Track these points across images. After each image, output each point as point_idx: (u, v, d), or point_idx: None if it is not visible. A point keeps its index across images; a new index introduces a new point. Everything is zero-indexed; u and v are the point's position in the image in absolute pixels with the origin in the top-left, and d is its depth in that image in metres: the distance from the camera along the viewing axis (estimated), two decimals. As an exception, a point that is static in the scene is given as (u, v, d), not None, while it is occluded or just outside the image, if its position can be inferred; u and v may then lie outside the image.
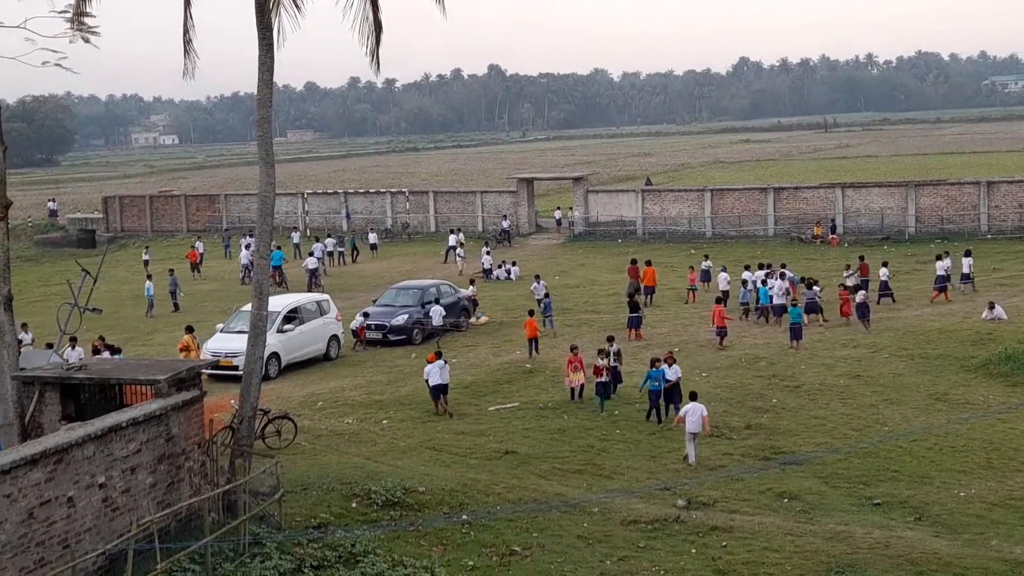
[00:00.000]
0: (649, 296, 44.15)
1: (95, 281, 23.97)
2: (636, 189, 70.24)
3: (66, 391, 20.75)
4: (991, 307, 37.27)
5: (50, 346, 27.82)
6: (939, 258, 43.55)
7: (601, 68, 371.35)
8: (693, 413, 24.65)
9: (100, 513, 17.73)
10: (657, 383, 27.37)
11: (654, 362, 27.79)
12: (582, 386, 29.45)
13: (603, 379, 28.75)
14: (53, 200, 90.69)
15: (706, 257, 48.64)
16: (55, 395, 20.63)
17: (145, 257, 58.65)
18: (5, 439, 19.89)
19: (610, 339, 30.93)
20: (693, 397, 25.48)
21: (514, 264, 54.27)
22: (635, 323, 37.51)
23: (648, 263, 45.92)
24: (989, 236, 57.13)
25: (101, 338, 32.48)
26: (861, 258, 45.21)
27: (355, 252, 62.60)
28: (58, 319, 24.17)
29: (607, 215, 66.82)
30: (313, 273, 52.27)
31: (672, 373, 27.56)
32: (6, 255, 20.68)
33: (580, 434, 26.82)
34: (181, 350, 33.03)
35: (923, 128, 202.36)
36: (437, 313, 39.05)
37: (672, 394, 27.51)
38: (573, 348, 30.40)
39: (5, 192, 20.92)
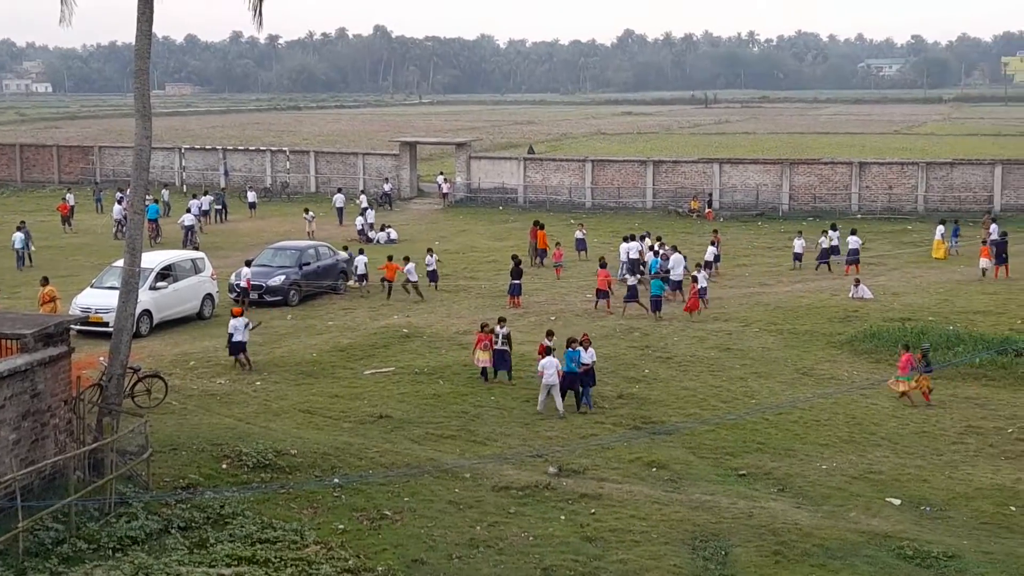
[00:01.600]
0: (541, 258, 45.45)
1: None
2: (519, 157, 70.53)
3: (-74, 344, 20.14)
4: (856, 285, 38.32)
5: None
6: (824, 233, 45.40)
7: (488, 34, 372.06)
8: (549, 366, 26.00)
9: (-40, 470, 17.30)
10: (574, 363, 26.15)
11: (570, 343, 26.54)
12: (495, 366, 28.41)
13: (542, 356, 26.80)
14: None
15: (581, 226, 49.21)
16: (-85, 348, 20.02)
17: None
18: None
19: (501, 320, 29.54)
20: (548, 352, 26.70)
21: (390, 227, 53.98)
22: (515, 290, 37.66)
23: (540, 226, 46.92)
24: (859, 216, 58.61)
25: None
26: (715, 231, 46.61)
27: (224, 211, 61.44)
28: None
29: (489, 182, 66.92)
30: (189, 230, 51.38)
31: (588, 356, 26.47)
32: None
33: (455, 400, 26.91)
34: (46, 303, 31.96)
35: (800, 107, 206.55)
36: (411, 270, 39.40)
37: (586, 378, 26.41)
38: (483, 326, 29.04)
39: None
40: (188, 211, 53.55)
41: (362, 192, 62.94)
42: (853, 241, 44.52)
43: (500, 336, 28.51)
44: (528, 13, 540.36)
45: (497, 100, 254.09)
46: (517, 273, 37.86)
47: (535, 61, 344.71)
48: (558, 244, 45.19)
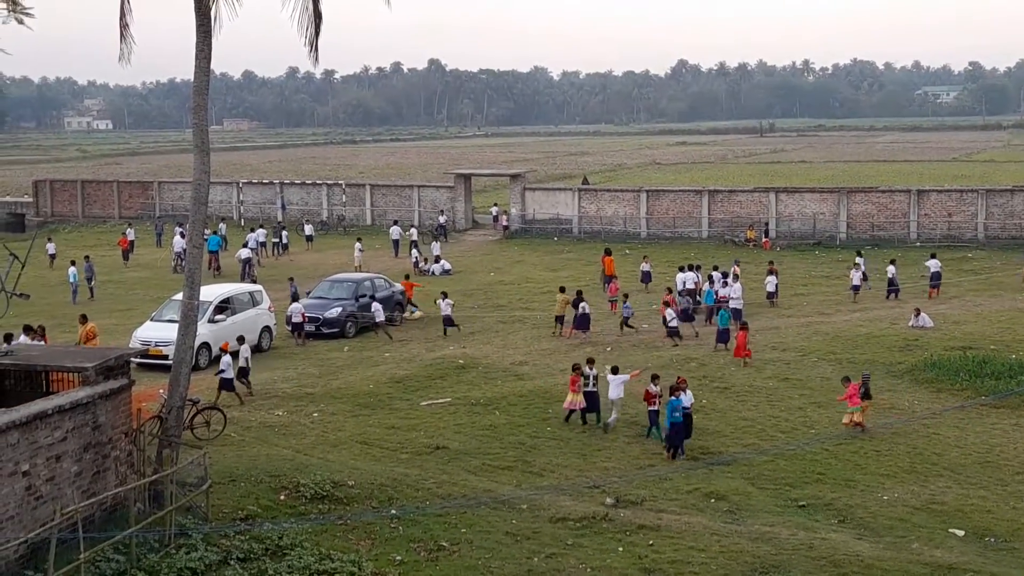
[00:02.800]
0: (613, 282, 44.85)
1: (23, 266, 23.60)
2: (573, 188, 70.50)
3: (-10, 377, 20.44)
4: (917, 314, 37.87)
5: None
6: (892, 262, 45.60)
7: (541, 66, 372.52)
8: (615, 383, 27.11)
9: (23, 501, 17.49)
10: (678, 414, 24.89)
11: (673, 391, 25.43)
12: (583, 410, 27.44)
13: (654, 407, 26.31)
14: None
15: (646, 259, 48.51)
16: (-21, 381, 20.32)
17: (51, 251, 56.74)
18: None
19: (590, 361, 28.53)
20: (615, 371, 27.73)
21: (443, 259, 54.21)
22: (580, 323, 37.48)
23: (608, 252, 47.70)
24: (918, 244, 58.01)
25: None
26: (771, 262, 46.03)
27: (285, 245, 61.88)
28: (-16, 303, 23.75)
29: (544, 213, 66.98)
30: (247, 263, 51.89)
31: (687, 400, 25.54)
32: (-68, 237, 20.32)
33: (511, 431, 26.86)
34: (88, 340, 31.98)
35: (857, 135, 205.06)
36: (378, 310, 38.83)
37: (686, 424, 25.37)
38: (575, 368, 28.01)
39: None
40: (245, 245, 54.10)
41: (412, 226, 63.20)
42: (934, 264, 44.86)
43: (590, 377, 27.71)
44: (582, 45, 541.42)
45: (551, 131, 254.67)
46: (577, 304, 37.72)
47: (589, 92, 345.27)
48: (614, 278, 44.68)
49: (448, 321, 38.54)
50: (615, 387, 27.34)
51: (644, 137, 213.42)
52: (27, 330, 30.27)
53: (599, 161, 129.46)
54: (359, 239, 57.05)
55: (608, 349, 35.00)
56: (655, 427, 26.25)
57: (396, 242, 59.99)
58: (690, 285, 41.44)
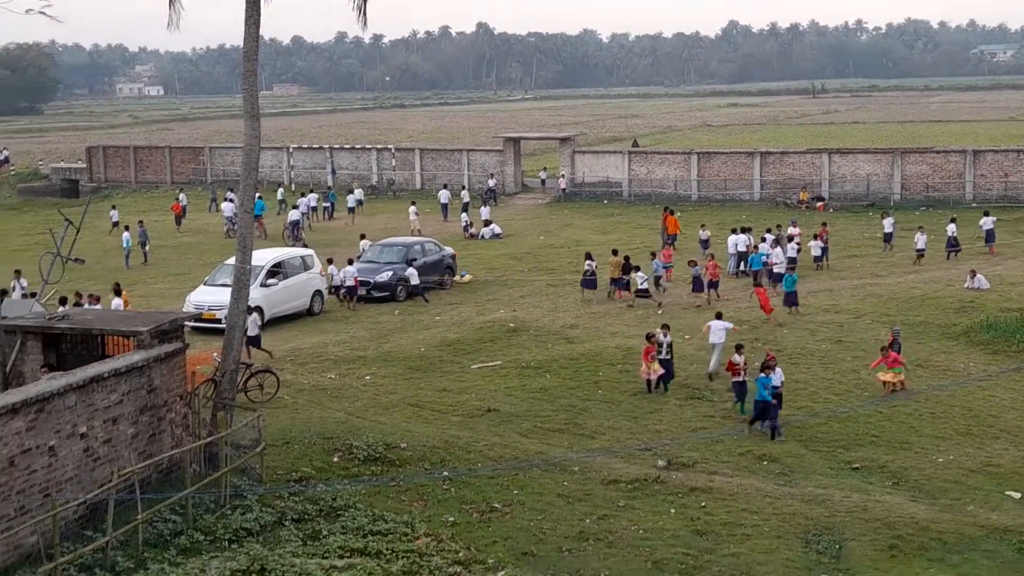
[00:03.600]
0: (671, 244, 45.11)
1: (78, 231, 23.82)
2: (623, 150, 70.10)
3: (48, 340, 20.70)
4: (972, 275, 37.39)
5: (32, 295, 27.68)
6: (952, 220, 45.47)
7: (591, 28, 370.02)
8: (717, 327, 27.94)
9: (81, 463, 17.74)
10: (767, 392, 23.92)
11: (763, 368, 24.50)
12: (660, 378, 26.94)
13: (740, 378, 25.44)
14: (5, 149, 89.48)
15: (703, 227, 46.92)
16: (37, 344, 20.60)
17: (114, 218, 57.00)
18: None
19: (665, 328, 27.86)
20: (719, 316, 28.82)
21: (493, 223, 54.10)
22: (621, 284, 37.48)
23: (671, 211, 48.33)
24: (974, 205, 57.18)
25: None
26: (823, 224, 45.36)
27: (331, 208, 62.01)
28: (40, 268, 24.04)
29: (593, 176, 66.68)
30: (295, 226, 52.17)
31: (777, 378, 24.45)
32: (-11, 203, 20.56)
33: (562, 394, 26.88)
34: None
35: (911, 96, 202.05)
36: (413, 274, 38.80)
37: (776, 404, 24.22)
38: (649, 336, 27.32)
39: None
40: (295, 207, 54.32)
41: (463, 189, 63.18)
42: (988, 222, 44.68)
43: (664, 345, 27.17)
44: (631, 6, 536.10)
45: (600, 94, 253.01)
46: (626, 269, 37.61)
47: (638, 54, 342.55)
48: (670, 244, 44.25)
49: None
50: (717, 332, 27.93)
51: (694, 99, 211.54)
52: (117, 291, 31.41)
53: (649, 124, 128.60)
54: (414, 203, 57.07)
55: (659, 311, 34.87)
56: (741, 400, 25.45)
57: (445, 206, 59.96)
58: (741, 248, 41.17)
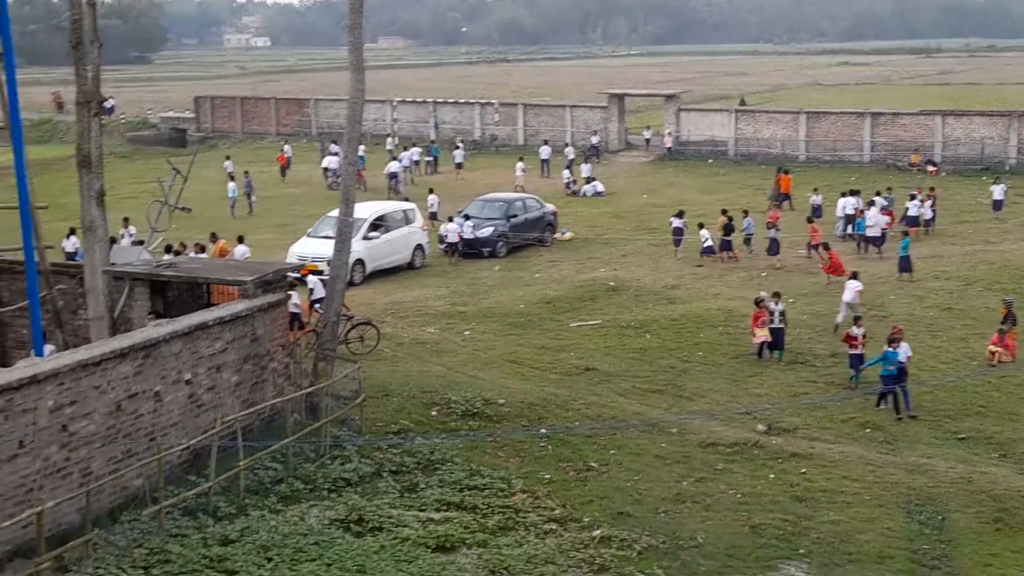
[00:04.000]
0: (787, 201, 45.36)
1: (185, 180, 24.16)
2: (729, 109, 69.09)
3: (155, 288, 21.07)
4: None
5: (140, 243, 28.19)
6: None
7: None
8: (851, 288, 28.24)
9: (186, 409, 18.07)
10: (893, 367, 23.13)
11: (890, 342, 23.68)
12: (769, 343, 26.30)
13: (856, 351, 24.63)
14: (111, 97, 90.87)
15: (815, 191, 44.58)
16: (144, 291, 20.98)
17: (229, 169, 57.20)
18: (96, 332, 20.26)
19: (776, 295, 27.27)
20: (854, 276, 28.82)
21: (596, 180, 53.67)
22: (726, 246, 36.95)
23: (785, 171, 48.10)
24: (1093, 171, 55.36)
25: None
26: (931, 189, 43.95)
27: (435, 162, 62.18)
28: (148, 216, 24.46)
29: (699, 134, 65.83)
30: (393, 177, 52.51)
31: (903, 353, 23.50)
32: (99, 151, 20.91)
33: (661, 354, 26.68)
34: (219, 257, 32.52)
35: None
36: (452, 231, 38.16)
37: (899, 378, 23.39)
38: (758, 301, 26.87)
39: (99, 88, 21.10)
40: (396, 159, 54.56)
41: (567, 145, 62.86)
42: None
43: (776, 313, 26.50)
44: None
45: (708, 51, 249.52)
46: (729, 229, 37.09)
47: (748, 11, 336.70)
48: (778, 205, 43.08)
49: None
50: (850, 291, 28.27)
51: (805, 57, 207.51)
52: (240, 239, 32.30)
53: (757, 82, 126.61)
54: (521, 159, 56.91)
55: (763, 274, 34.40)
56: (857, 373, 24.64)
57: (545, 162, 59.66)
58: (850, 211, 40.31)
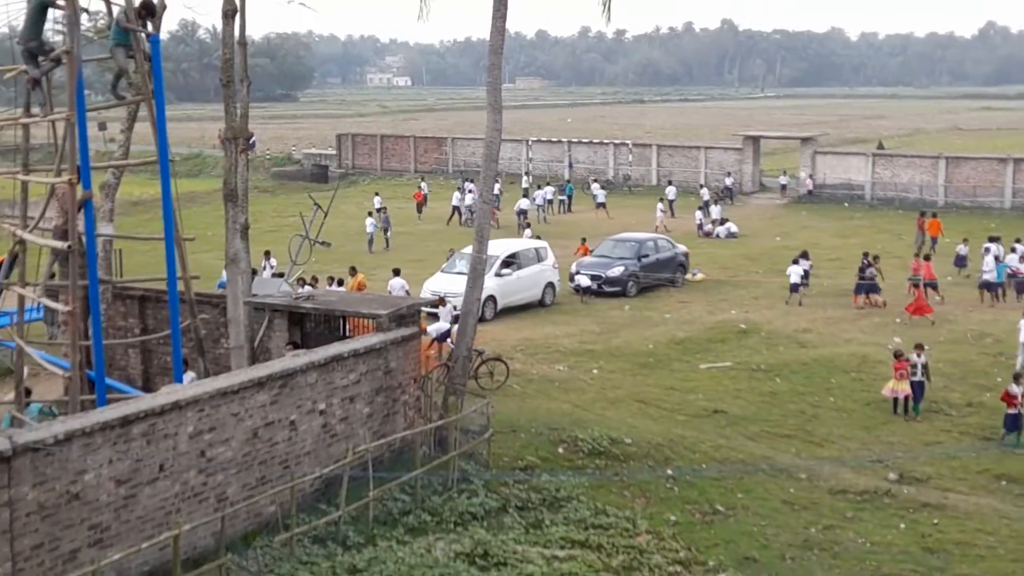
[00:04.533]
0: (934, 245, 44.55)
1: (325, 215, 24.79)
2: (867, 152, 68.13)
3: (293, 319, 21.64)
4: None
5: (280, 275, 28.93)
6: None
7: (838, 27, 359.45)
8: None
9: (319, 438, 18.50)
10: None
11: (1017, 378, 23.63)
12: (907, 398, 25.32)
13: (1015, 411, 23.52)
14: (253, 134, 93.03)
15: (964, 241, 42.89)
16: (283, 322, 21.56)
17: (377, 204, 58.10)
18: (236, 361, 20.90)
19: (918, 347, 26.01)
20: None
21: (730, 222, 53.41)
22: (860, 289, 36.39)
23: (933, 214, 47.67)
24: None
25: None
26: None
27: (569, 201, 62.71)
28: (289, 250, 25.13)
29: (835, 178, 65.02)
30: (522, 214, 53.12)
31: None
32: (245, 185, 21.64)
33: (792, 399, 26.40)
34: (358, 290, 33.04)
35: None
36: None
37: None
38: (897, 355, 25.70)
39: (247, 125, 21.86)
40: (524, 197, 55.23)
41: (701, 186, 62.69)
42: None
43: (919, 366, 25.37)
44: (881, 5, 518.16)
45: (846, 94, 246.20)
46: (866, 271, 36.50)
47: (887, 54, 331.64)
48: (927, 257, 39.07)
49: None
50: None
51: (945, 101, 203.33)
52: (396, 272, 33.07)
53: (896, 125, 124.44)
54: (660, 199, 56.94)
55: (897, 320, 33.80)
56: (1013, 433, 23.45)
57: (671, 202, 59.65)
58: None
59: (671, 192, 60.32)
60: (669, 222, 55.15)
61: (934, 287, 35.77)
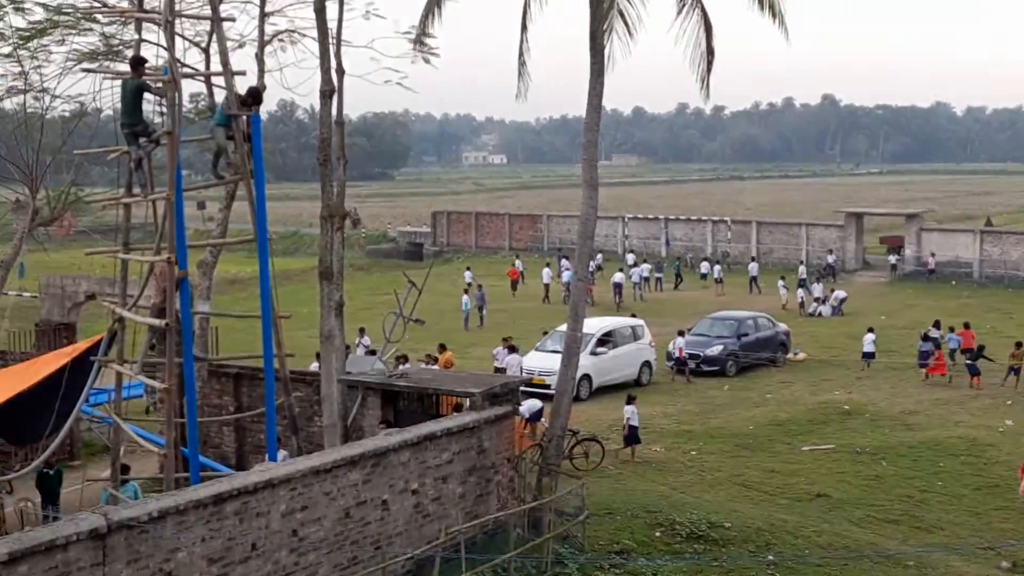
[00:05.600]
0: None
1: (420, 293, 24.78)
2: (975, 229, 66.74)
3: (387, 397, 21.51)
4: None
5: (373, 352, 28.92)
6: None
7: (943, 101, 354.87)
8: None
9: (411, 518, 18.23)
10: None
11: None
12: None
13: None
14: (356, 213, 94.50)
15: None
16: (376, 400, 21.43)
17: (468, 279, 58.90)
18: (329, 438, 20.79)
19: None
20: None
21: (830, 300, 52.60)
22: (973, 371, 35.40)
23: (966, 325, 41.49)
24: None
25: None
26: None
27: (678, 279, 62.60)
28: (384, 327, 25.12)
29: (941, 255, 63.71)
30: (617, 288, 53.56)
31: None
32: (341, 263, 21.68)
33: (899, 483, 25.56)
34: (445, 368, 32.86)
35: None
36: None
37: None
38: None
39: (343, 203, 21.96)
40: (620, 271, 55.91)
41: (800, 263, 62.03)
42: None
43: None
44: (989, 80, 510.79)
45: (952, 169, 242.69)
46: (976, 355, 35.59)
47: (996, 128, 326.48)
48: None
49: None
50: None
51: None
52: (513, 349, 34.07)
53: (1005, 201, 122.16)
54: (783, 277, 56.38)
55: (1009, 403, 32.71)
56: None
57: (754, 279, 60.09)
58: None
59: (753, 268, 60.95)
60: (767, 300, 54.39)
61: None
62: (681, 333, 38.98)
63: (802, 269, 59.66)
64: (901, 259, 65.31)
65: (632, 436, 27.36)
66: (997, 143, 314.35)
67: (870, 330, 39.34)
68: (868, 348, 37.64)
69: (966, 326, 39.19)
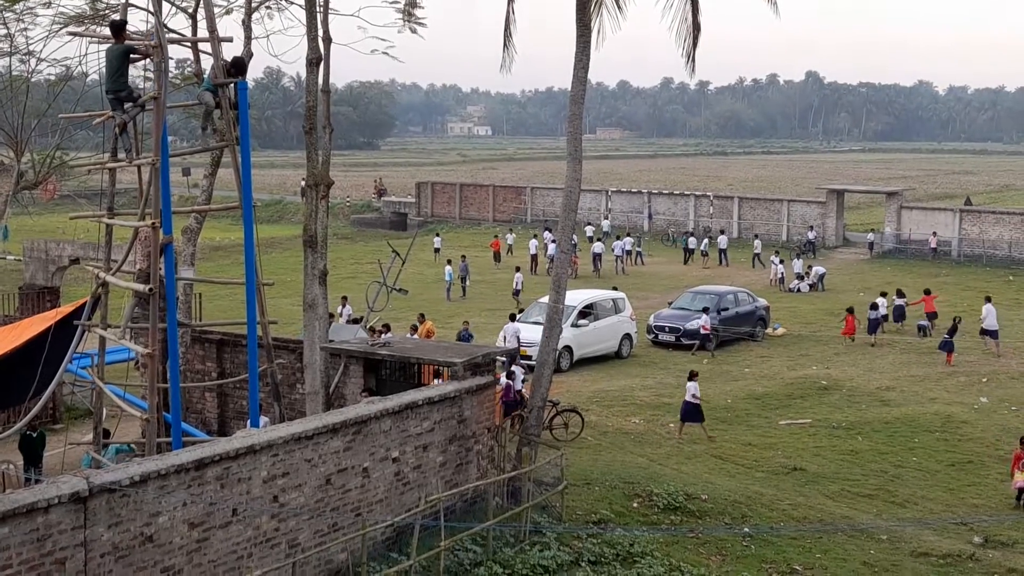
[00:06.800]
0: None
1: (404, 263, 24.86)
2: (954, 208, 67.10)
3: (369, 366, 21.64)
4: None
5: (356, 321, 29.04)
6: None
7: (926, 80, 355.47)
8: None
9: (391, 486, 18.39)
10: None
11: None
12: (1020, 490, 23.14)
13: None
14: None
15: None
16: (359, 368, 21.57)
17: (436, 244, 60.03)
18: (311, 406, 20.93)
19: None
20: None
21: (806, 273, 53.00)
22: (948, 347, 35.74)
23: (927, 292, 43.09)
24: None
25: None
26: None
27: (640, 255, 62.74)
28: (367, 296, 25.24)
29: (920, 233, 64.06)
30: (597, 258, 54.27)
31: None
32: (325, 232, 21.77)
33: (874, 458, 25.84)
34: (426, 338, 32.95)
35: None
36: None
37: None
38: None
39: (328, 172, 22.02)
40: (599, 240, 57.81)
41: (755, 236, 63.13)
42: None
43: None
44: (970, 59, 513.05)
45: (933, 148, 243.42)
46: (952, 330, 35.96)
47: (977, 108, 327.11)
48: (926, 291, 41.21)
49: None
50: None
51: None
52: (512, 317, 34.36)
53: (984, 181, 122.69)
54: (777, 251, 56.46)
55: (984, 380, 33.04)
56: None
57: (723, 251, 61.19)
58: None
59: (723, 241, 62.37)
60: (753, 274, 54.64)
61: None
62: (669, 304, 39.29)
63: (758, 243, 60.70)
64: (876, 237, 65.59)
65: (691, 413, 26.95)
66: (978, 123, 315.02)
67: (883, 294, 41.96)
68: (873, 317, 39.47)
69: (926, 292, 42.01)
